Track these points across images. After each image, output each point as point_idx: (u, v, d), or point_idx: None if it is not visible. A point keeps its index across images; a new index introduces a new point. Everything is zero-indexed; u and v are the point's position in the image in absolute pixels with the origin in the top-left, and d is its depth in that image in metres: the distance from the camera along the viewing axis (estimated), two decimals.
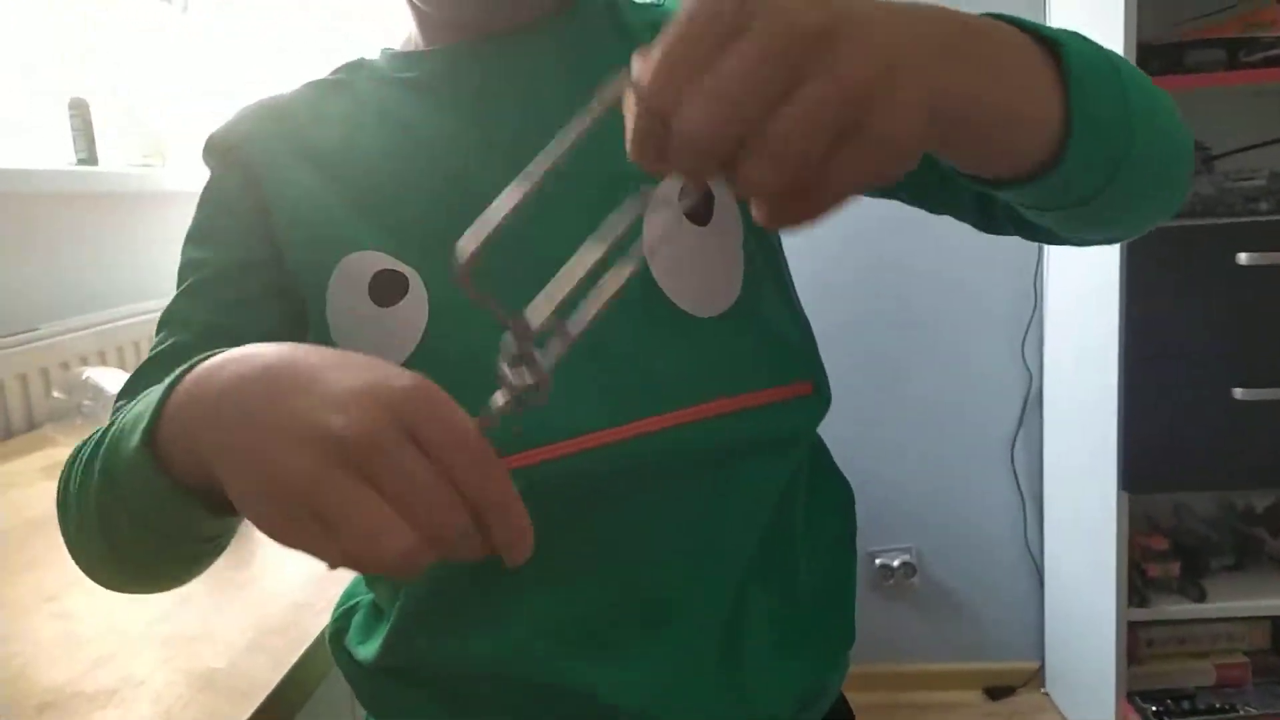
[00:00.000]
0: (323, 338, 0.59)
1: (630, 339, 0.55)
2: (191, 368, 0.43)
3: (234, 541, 0.83)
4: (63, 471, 0.55)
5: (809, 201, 0.30)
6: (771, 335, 0.59)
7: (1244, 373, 1.69)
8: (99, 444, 0.50)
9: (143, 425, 0.43)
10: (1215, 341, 1.69)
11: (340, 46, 1.96)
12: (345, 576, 0.73)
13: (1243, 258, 1.64)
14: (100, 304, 1.54)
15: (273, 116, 0.64)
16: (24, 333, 1.33)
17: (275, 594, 0.72)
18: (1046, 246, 2.03)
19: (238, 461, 0.37)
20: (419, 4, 0.62)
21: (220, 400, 0.39)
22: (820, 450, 0.69)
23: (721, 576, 0.58)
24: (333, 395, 0.35)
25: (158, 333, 0.62)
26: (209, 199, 0.65)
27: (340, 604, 0.69)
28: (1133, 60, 1.61)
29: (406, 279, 0.57)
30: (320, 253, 0.59)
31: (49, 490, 1.00)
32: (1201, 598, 1.83)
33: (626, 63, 0.63)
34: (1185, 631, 1.92)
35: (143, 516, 0.46)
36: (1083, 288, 1.86)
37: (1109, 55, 0.46)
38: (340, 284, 0.58)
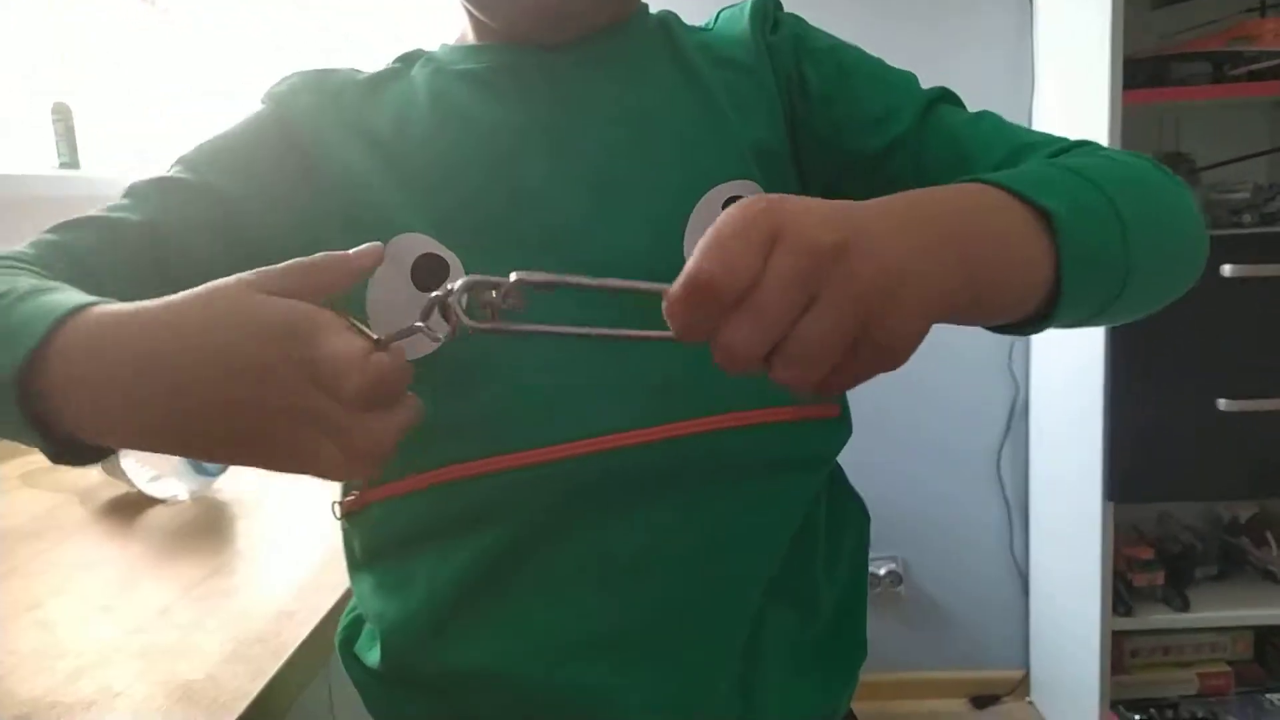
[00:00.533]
0: (358, 315, 0.59)
1: (665, 343, 0.55)
2: (91, 306, 0.41)
3: (215, 550, 0.82)
4: None
5: (829, 386, 0.35)
6: None
7: (1228, 384, 1.69)
8: None
9: (22, 353, 0.39)
10: (1199, 353, 1.70)
11: (328, 46, 1.95)
12: (334, 584, 0.72)
13: (1227, 270, 1.64)
14: None
15: (329, 91, 0.64)
16: None
17: (257, 603, 0.71)
18: None
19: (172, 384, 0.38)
20: (474, 12, 0.63)
21: (151, 331, 0.39)
22: (838, 470, 0.69)
23: (742, 592, 0.58)
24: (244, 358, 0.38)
25: (124, 196, 0.61)
26: (251, 132, 0.63)
27: (349, 610, 0.68)
28: (1119, 75, 1.62)
29: (448, 264, 0.57)
30: (367, 232, 0.58)
31: (29, 497, 1.00)
32: (1185, 607, 1.84)
33: (674, 80, 0.64)
34: (1169, 641, 1.92)
35: None
36: None
37: (1100, 181, 0.48)
38: (386, 264, 0.57)
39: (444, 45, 0.69)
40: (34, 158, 1.55)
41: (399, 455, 0.56)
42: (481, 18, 0.63)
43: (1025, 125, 2.05)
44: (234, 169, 0.61)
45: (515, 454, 0.54)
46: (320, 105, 0.63)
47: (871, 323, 0.34)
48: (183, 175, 0.61)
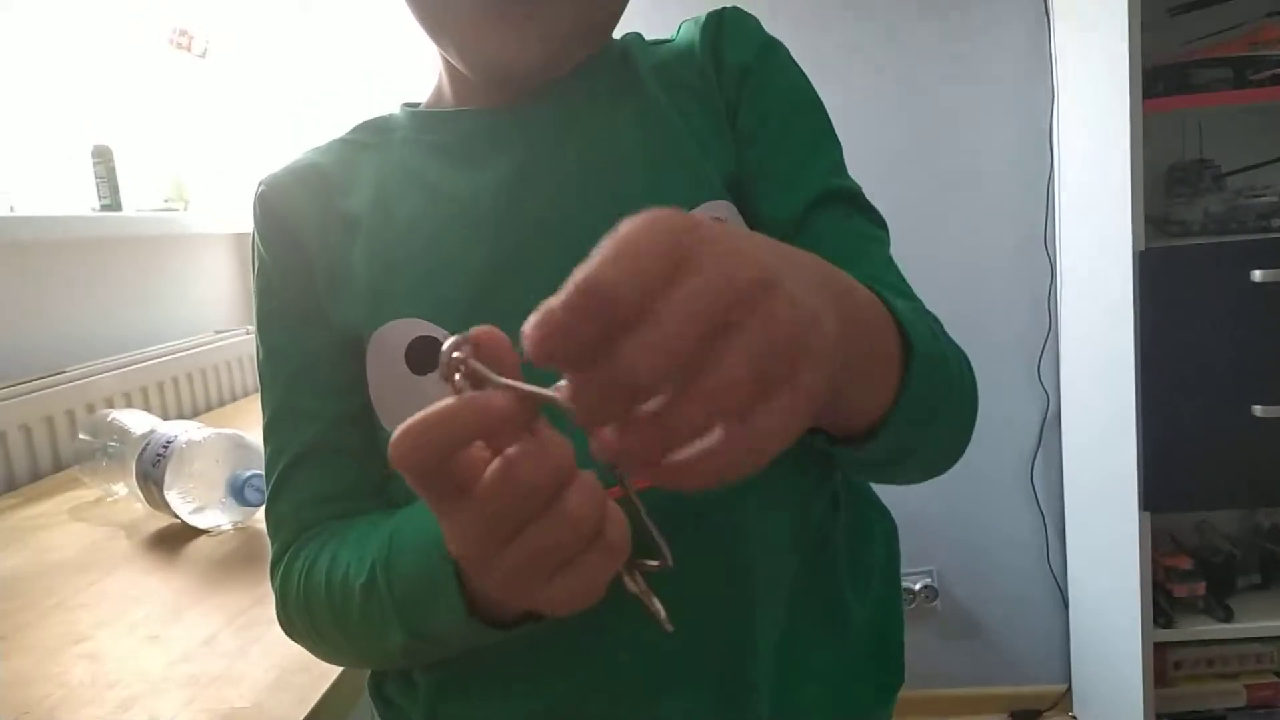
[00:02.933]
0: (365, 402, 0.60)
1: None
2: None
3: (258, 579, 0.84)
4: (292, 605, 0.59)
5: (727, 458, 0.29)
6: None
7: (1263, 390, 1.68)
8: (365, 599, 0.52)
9: (454, 602, 0.47)
10: (1232, 359, 1.69)
11: (355, 90, 2.00)
12: None
13: (1257, 275, 1.63)
14: (125, 346, 1.57)
15: (311, 185, 0.64)
16: (50, 375, 1.35)
17: None
18: (1059, 268, 2.03)
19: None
20: (458, 65, 0.62)
21: None
22: (859, 481, 0.67)
23: (767, 605, 0.57)
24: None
25: (274, 429, 0.62)
26: (265, 279, 0.64)
27: None
28: (1138, 83, 1.62)
29: (440, 344, 0.57)
30: (358, 321, 0.59)
31: (76, 532, 1.03)
32: (1229, 617, 1.81)
33: (639, 121, 0.61)
34: (1214, 652, 1.89)
35: (461, 647, 0.52)
36: (1097, 308, 1.86)
37: (942, 347, 0.51)
38: (377, 351, 0.58)
39: (406, 109, 0.68)
40: (75, 199, 1.59)
41: None
42: (462, 69, 0.61)
43: (1046, 140, 2.03)
44: (302, 314, 0.62)
45: None
46: (306, 197, 0.63)
47: (793, 359, 0.29)
48: (291, 358, 0.63)
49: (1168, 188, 1.90)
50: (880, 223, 0.62)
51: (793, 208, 0.59)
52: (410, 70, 1.92)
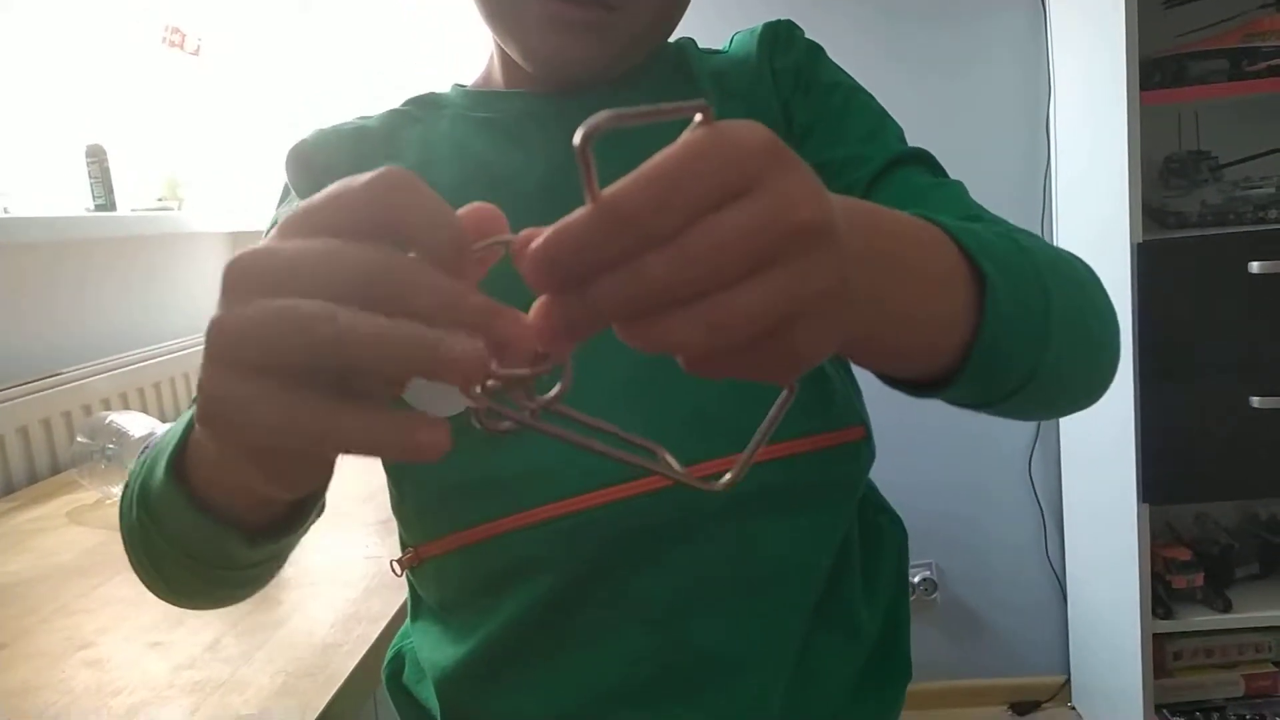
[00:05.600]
0: None
1: (683, 383, 0.54)
2: None
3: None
4: (120, 498, 0.56)
5: (711, 364, 0.29)
6: (825, 381, 0.59)
7: (1261, 381, 1.68)
8: (138, 475, 0.51)
9: (168, 454, 0.45)
10: (1231, 351, 1.69)
11: (352, 88, 1.99)
12: (377, 614, 0.73)
13: (1254, 266, 1.63)
14: (121, 347, 1.56)
15: (354, 143, 0.64)
16: (47, 377, 1.35)
17: (304, 636, 0.72)
18: None
19: None
20: (523, 64, 0.62)
21: None
22: (869, 487, 0.68)
23: (786, 622, 0.58)
24: None
25: None
26: None
27: (394, 645, 0.70)
28: (1135, 76, 1.62)
29: None
30: None
31: (76, 535, 1.02)
32: (1227, 608, 1.81)
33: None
34: (1212, 642, 1.90)
35: (180, 544, 0.47)
36: None
37: (1041, 266, 0.45)
38: None
39: (457, 88, 0.69)
40: (69, 199, 1.58)
41: (441, 514, 0.56)
42: (523, 65, 0.62)
43: (1043, 132, 2.02)
44: None
45: (553, 505, 0.54)
46: (345, 159, 0.63)
47: (795, 323, 0.28)
48: None
49: (1164, 179, 1.90)
50: (955, 180, 0.62)
51: (865, 173, 0.60)
52: (410, 68, 1.92)
